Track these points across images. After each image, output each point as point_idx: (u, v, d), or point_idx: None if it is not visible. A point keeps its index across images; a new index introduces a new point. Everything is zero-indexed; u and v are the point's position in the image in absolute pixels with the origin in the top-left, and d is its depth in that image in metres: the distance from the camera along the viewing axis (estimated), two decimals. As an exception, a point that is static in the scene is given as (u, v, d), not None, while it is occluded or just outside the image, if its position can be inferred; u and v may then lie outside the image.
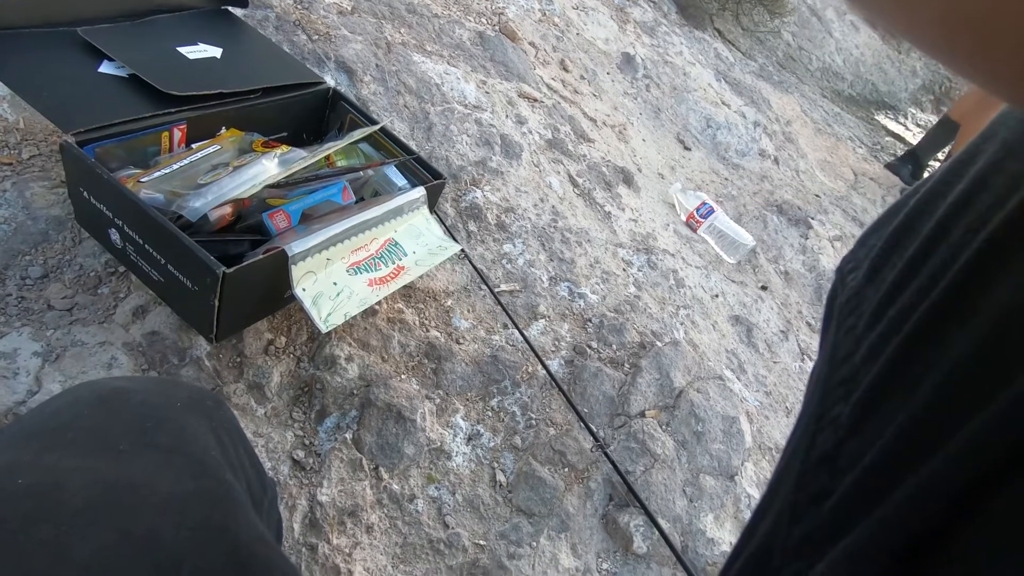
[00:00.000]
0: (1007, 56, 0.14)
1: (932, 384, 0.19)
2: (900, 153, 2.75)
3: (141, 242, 0.68)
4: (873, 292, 0.24)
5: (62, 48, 0.77)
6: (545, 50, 1.75)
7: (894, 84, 3.99)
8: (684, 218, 1.56)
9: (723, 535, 0.90)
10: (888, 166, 2.62)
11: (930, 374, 0.19)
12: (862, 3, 0.17)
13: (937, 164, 2.43)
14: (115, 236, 0.70)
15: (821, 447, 0.22)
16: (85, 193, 0.69)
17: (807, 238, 1.80)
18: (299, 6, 1.23)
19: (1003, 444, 0.16)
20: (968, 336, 0.18)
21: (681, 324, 1.22)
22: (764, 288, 1.53)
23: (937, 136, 2.52)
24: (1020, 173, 0.20)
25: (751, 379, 1.24)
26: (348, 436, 0.78)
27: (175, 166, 0.74)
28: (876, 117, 3.52)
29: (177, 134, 0.78)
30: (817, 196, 2.14)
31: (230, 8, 0.99)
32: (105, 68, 0.77)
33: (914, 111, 3.79)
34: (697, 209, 1.54)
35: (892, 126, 3.47)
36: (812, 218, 1.87)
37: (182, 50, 0.85)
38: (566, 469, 0.87)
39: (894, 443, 0.19)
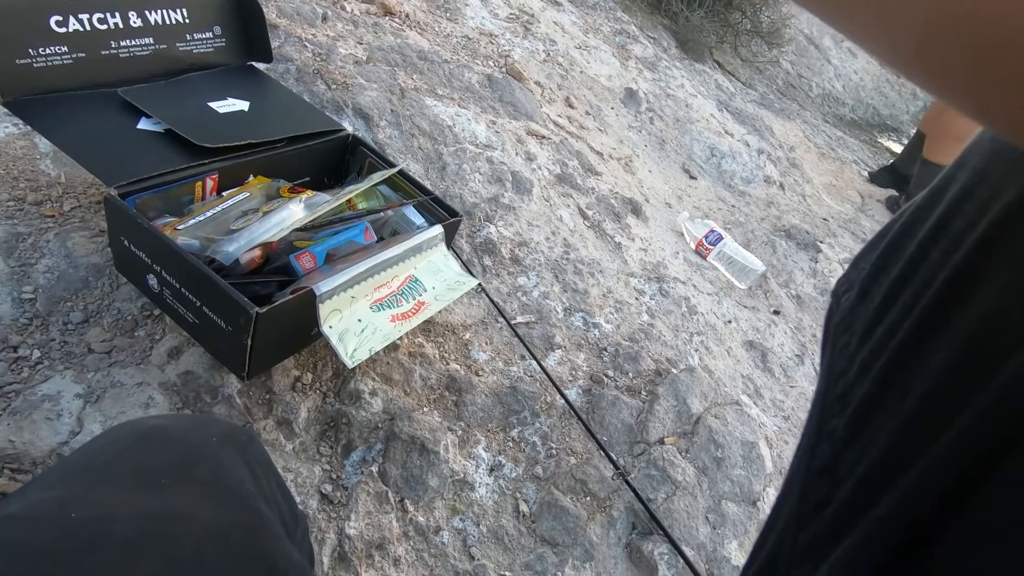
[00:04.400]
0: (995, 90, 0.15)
1: (917, 394, 0.21)
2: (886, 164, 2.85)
3: (178, 286, 0.72)
4: (864, 311, 0.26)
5: (104, 108, 0.82)
6: (551, 89, 1.81)
7: (895, 107, 4.05)
8: (693, 246, 1.59)
9: (748, 562, 0.90)
10: (871, 175, 2.72)
11: (915, 385, 0.21)
12: (835, 20, 0.19)
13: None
14: (153, 281, 0.74)
15: (821, 458, 0.24)
16: (125, 241, 0.74)
17: (817, 261, 1.81)
18: (318, 58, 1.30)
19: (981, 445, 0.18)
20: (947, 348, 0.20)
21: (695, 351, 1.23)
22: (777, 313, 1.54)
23: (912, 147, 2.61)
24: (988, 198, 0.22)
25: (768, 404, 1.24)
26: (374, 469, 0.80)
27: (208, 213, 0.78)
28: (880, 140, 3.56)
29: (209, 183, 0.83)
30: (825, 220, 2.16)
31: (255, 63, 1.06)
32: (143, 124, 0.82)
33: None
34: (706, 237, 1.57)
35: (896, 148, 3.50)
36: (821, 242, 1.89)
37: (213, 105, 0.91)
38: (588, 498, 0.88)
39: (885, 450, 0.21)
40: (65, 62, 0.81)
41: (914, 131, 2.73)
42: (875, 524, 0.20)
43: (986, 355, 0.19)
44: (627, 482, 0.88)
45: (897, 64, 0.18)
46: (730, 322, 1.40)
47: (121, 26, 0.87)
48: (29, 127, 0.79)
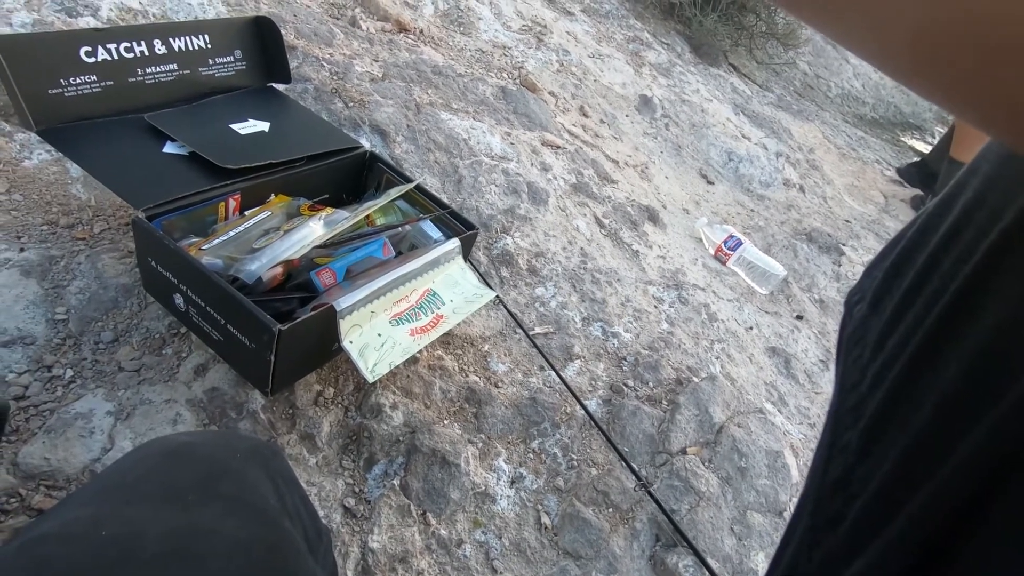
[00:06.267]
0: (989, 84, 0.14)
1: (929, 408, 0.20)
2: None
3: (203, 305, 0.73)
4: (876, 322, 0.26)
5: (131, 133, 0.85)
6: (564, 98, 1.82)
7: (918, 104, 3.97)
8: (712, 252, 1.58)
9: (776, 574, 0.88)
10: (899, 171, 2.66)
11: (928, 398, 0.20)
12: (829, 27, 0.17)
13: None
14: (179, 300, 0.76)
15: (834, 473, 0.24)
16: (153, 262, 0.76)
17: (840, 265, 1.78)
18: (335, 77, 1.32)
19: (996, 458, 0.17)
20: (960, 360, 0.20)
21: (717, 358, 1.22)
22: (800, 318, 1.51)
23: (944, 142, 2.54)
24: (1000, 206, 0.22)
25: (793, 411, 1.22)
26: (396, 482, 0.80)
27: (231, 233, 0.80)
28: (903, 138, 3.49)
29: (232, 203, 0.85)
30: (847, 221, 2.13)
31: (275, 85, 1.08)
32: (168, 148, 0.85)
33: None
34: (725, 242, 1.55)
35: (920, 146, 3.43)
36: (844, 244, 1.85)
37: (234, 126, 0.93)
38: (610, 510, 0.87)
39: (898, 466, 0.21)
40: (94, 90, 0.84)
41: (943, 129, 2.67)
42: (890, 542, 0.20)
43: (1000, 366, 0.19)
44: (650, 493, 0.87)
45: (895, 73, 0.17)
46: (752, 328, 1.38)
47: (147, 53, 0.90)
48: (61, 154, 0.82)
